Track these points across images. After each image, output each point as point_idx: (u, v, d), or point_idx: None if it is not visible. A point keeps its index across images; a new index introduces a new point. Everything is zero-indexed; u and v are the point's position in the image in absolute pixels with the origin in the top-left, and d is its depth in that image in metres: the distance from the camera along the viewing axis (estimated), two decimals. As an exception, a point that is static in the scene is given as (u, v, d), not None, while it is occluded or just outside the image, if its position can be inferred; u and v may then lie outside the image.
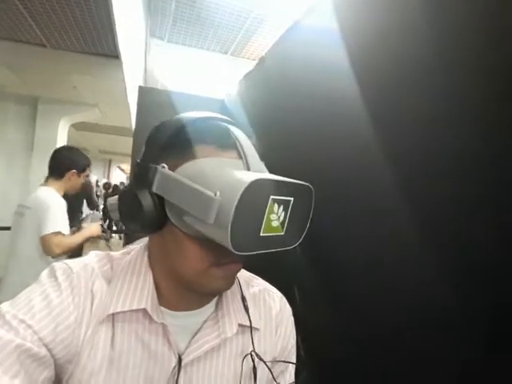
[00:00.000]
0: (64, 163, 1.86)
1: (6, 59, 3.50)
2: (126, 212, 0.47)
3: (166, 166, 0.44)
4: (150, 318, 0.47)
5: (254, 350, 0.51)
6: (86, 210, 4.55)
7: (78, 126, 6.20)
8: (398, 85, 0.76)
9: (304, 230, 0.47)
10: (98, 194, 8.03)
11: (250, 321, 0.53)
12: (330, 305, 0.96)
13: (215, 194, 0.38)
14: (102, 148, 10.80)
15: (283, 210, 0.42)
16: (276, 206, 0.41)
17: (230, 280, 0.48)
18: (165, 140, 0.46)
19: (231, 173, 0.40)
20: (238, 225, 0.37)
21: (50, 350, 0.43)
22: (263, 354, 0.53)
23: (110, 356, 0.46)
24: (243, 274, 0.61)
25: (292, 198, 0.42)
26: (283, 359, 0.58)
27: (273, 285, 0.63)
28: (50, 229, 1.67)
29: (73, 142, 5.82)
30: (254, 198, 0.38)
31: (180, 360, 0.48)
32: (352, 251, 0.89)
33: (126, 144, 6.83)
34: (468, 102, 0.59)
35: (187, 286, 0.48)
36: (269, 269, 0.75)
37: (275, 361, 0.57)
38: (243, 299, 0.56)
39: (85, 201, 4.41)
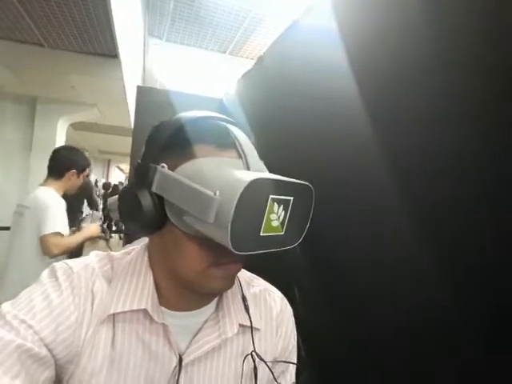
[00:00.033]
0: (64, 163, 1.85)
1: (3, 59, 3.49)
2: (125, 212, 0.47)
3: (165, 165, 0.44)
4: (151, 319, 0.47)
5: (254, 350, 0.51)
6: (86, 209, 4.55)
7: (76, 126, 6.19)
8: (397, 84, 0.76)
9: (304, 229, 0.47)
10: (98, 194, 8.02)
11: (250, 321, 0.53)
12: (330, 305, 0.96)
13: (215, 194, 0.38)
14: (100, 148, 10.78)
15: (283, 209, 0.42)
16: (276, 205, 0.41)
17: (230, 280, 0.48)
18: (164, 140, 0.46)
19: (231, 172, 0.40)
20: (237, 224, 0.37)
21: (50, 351, 0.43)
22: (264, 354, 0.53)
23: (111, 356, 0.46)
24: (244, 274, 0.61)
25: (292, 198, 0.42)
26: (284, 359, 0.58)
27: (273, 285, 0.63)
28: (49, 229, 1.66)
29: (71, 142, 5.81)
30: (253, 197, 0.38)
31: (181, 360, 0.48)
32: (351, 251, 0.89)
33: (125, 144, 6.82)
34: (467, 102, 0.59)
35: (187, 286, 0.48)
36: (269, 269, 0.75)
37: (276, 361, 0.57)
38: (244, 299, 0.56)
39: (85, 201, 4.41)
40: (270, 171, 0.46)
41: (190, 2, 3.78)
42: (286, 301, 0.62)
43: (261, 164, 0.46)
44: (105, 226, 1.96)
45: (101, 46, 3.25)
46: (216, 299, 0.54)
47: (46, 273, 0.49)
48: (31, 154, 4.64)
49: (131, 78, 3.85)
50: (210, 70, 4.95)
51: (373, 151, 0.81)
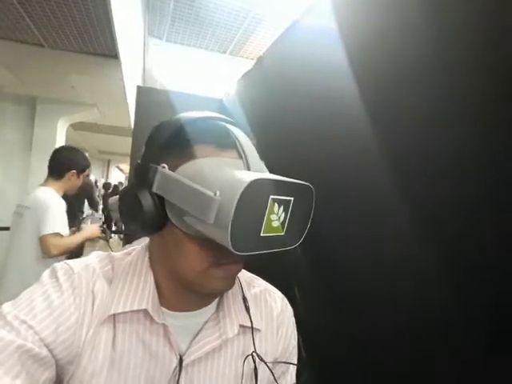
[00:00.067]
0: (64, 163, 1.85)
1: (3, 59, 3.49)
2: (126, 212, 0.47)
3: (166, 166, 0.44)
4: (151, 319, 0.47)
5: (255, 351, 0.51)
6: (88, 210, 4.55)
7: (76, 126, 6.18)
8: (397, 84, 0.76)
9: (304, 230, 0.47)
10: (98, 194, 8.01)
11: (251, 321, 0.53)
12: (331, 305, 0.96)
13: (215, 194, 0.38)
14: (100, 148, 10.77)
15: (283, 210, 0.42)
16: (276, 205, 0.40)
17: (231, 280, 0.48)
18: (164, 140, 0.46)
19: (231, 172, 0.40)
20: (237, 225, 0.37)
21: (51, 351, 0.43)
22: (264, 354, 0.53)
23: (111, 357, 0.46)
24: (244, 275, 0.61)
25: (292, 198, 0.42)
26: (284, 360, 0.58)
27: (273, 285, 0.63)
28: (48, 229, 1.66)
29: (71, 142, 5.81)
30: (253, 197, 0.38)
31: (181, 361, 0.48)
32: (352, 251, 0.89)
33: (125, 144, 6.82)
34: (467, 102, 0.60)
35: (188, 287, 0.48)
36: (269, 269, 0.75)
37: (276, 362, 0.56)
38: (244, 300, 0.56)
39: (86, 201, 4.40)
40: (270, 171, 0.46)
41: (190, 2, 3.78)
42: (286, 301, 0.62)
43: (261, 164, 0.46)
44: (105, 226, 1.95)
45: (101, 46, 3.25)
46: (216, 300, 0.54)
47: (46, 273, 0.49)
48: (31, 154, 4.64)
49: (131, 78, 3.84)
50: (210, 70, 4.95)
51: (373, 151, 0.81)
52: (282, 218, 0.42)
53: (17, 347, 0.39)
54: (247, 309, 0.55)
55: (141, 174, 0.46)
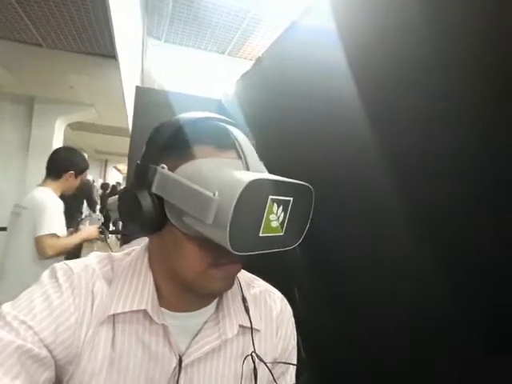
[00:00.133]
0: (62, 164, 1.85)
1: (1, 59, 3.49)
2: (125, 212, 0.47)
3: (165, 166, 0.44)
4: (151, 319, 0.47)
5: (254, 351, 0.51)
6: (87, 210, 4.55)
7: (74, 126, 6.18)
8: (396, 85, 0.76)
9: (304, 230, 0.47)
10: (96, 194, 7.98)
11: (250, 322, 0.53)
12: (330, 305, 0.96)
13: (214, 194, 0.38)
14: (98, 148, 10.76)
15: (283, 210, 0.42)
16: (275, 206, 0.40)
17: (230, 281, 0.48)
18: (164, 141, 0.46)
19: (230, 173, 0.40)
20: (236, 225, 0.37)
21: (50, 351, 0.43)
22: (264, 355, 0.53)
23: (111, 357, 0.46)
24: (244, 275, 0.61)
25: (291, 198, 0.42)
26: (284, 361, 0.58)
27: (273, 285, 0.63)
28: (45, 230, 1.66)
29: (69, 142, 5.81)
30: (252, 197, 0.38)
31: (180, 361, 0.48)
32: (351, 251, 0.89)
33: (123, 144, 6.81)
34: (465, 102, 0.60)
35: (187, 287, 0.48)
36: (269, 269, 0.75)
37: (276, 362, 0.56)
38: (244, 300, 0.56)
39: (85, 201, 4.40)
40: (269, 172, 0.46)
41: (188, 2, 3.77)
42: (286, 301, 0.62)
43: (260, 165, 0.46)
44: (103, 227, 1.94)
45: (99, 46, 3.24)
46: (216, 300, 0.54)
47: (46, 274, 0.49)
48: (29, 154, 4.64)
49: (129, 78, 3.84)
50: (209, 70, 4.94)
51: (372, 151, 0.81)
52: (281, 218, 0.42)
53: (16, 347, 0.39)
54: (247, 309, 0.55)
55: (140, 175, 0.46)
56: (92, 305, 0.47)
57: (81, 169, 1.90)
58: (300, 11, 1.20)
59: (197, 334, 0.50)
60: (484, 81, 0.57)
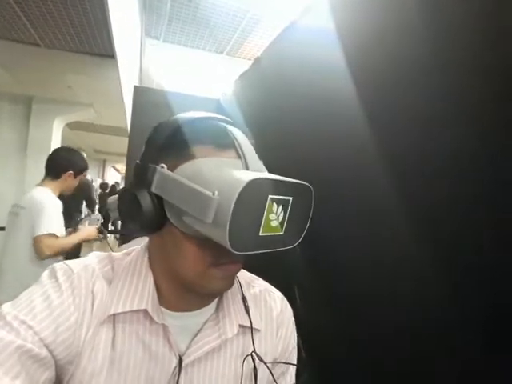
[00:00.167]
0: (61, 164, 1.84)
1: (-1, 58, 3.48)
2: (125, 212, 0.47)
3: (165, 166, 0.44)
4: (151, 319, 0.47)
5: (254, 351, 0.51)
6: (86, 210, 4.54)
7: (72, 126, 6.16)
8: (395, 85, 0.76)
9: (303, 229, 0.47)
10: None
11: (250, 321, 0.53)
12: (330, 305, 0.97)
13: (213, 194, 0.38)
14: (96, 148, 10.73)
15: (282, 209, 0.42)
16: (275, 205, 0.40)
17: (230, 280, 0.48)
18: (163, 140, 0.46)
19: (230, 172, 0.40)
20: (236, 224, 0.37)
21: (50, 351, 0.43)
22: (264, 355, 0.53)
23: (111, 357, 0.46)
24: (244, 275, 0.61)
25: (291, 198, 0.42)
26: (284, 360, 0.58)
27: (273, 285, 0.63)
28: (43, 230, 1.65)
29: (67, 142, 5.79)
30: (252, 197, 0.38)
31: (181, 361, 0.48)
32: (351, 251, 0.90)
33: (121, 144, 6.80)
34: (464, 102, 0.60)
35: (187, 287, 0.48)
36: (269, 269, 0.75)
37: (276, 362, 0.56)
38: (244, 300, 0.56)
39: (84, 202, 4.39)
40: (269, 171, 0.46)
41: (187, 2, 3.77)
42: (286, 301, 0.62)
43: (260, 164, 0.46)
44: (103, 228, 1.94)
45: (98, 46, 3.24)
46: (216, 300, 0.54)
47: (46, 273, 0.48)
48: (27, 154, 4.62)
49: (128, 78, 3.84)
50: (208, 70, 4.94)
51: (371, 151, 0.81)
52: (280, 218, 0.42)
53: (16, 347, 0.39)
54: (247, 309, 0.54)
55: (140, 174, 0.46)
56: (92, 305, 0.47)
57: (80, 169, 1.90)
58: (299, 11, 1.20)
59: (197, 334, 0.50)
60: (483, 81, 0.57)
